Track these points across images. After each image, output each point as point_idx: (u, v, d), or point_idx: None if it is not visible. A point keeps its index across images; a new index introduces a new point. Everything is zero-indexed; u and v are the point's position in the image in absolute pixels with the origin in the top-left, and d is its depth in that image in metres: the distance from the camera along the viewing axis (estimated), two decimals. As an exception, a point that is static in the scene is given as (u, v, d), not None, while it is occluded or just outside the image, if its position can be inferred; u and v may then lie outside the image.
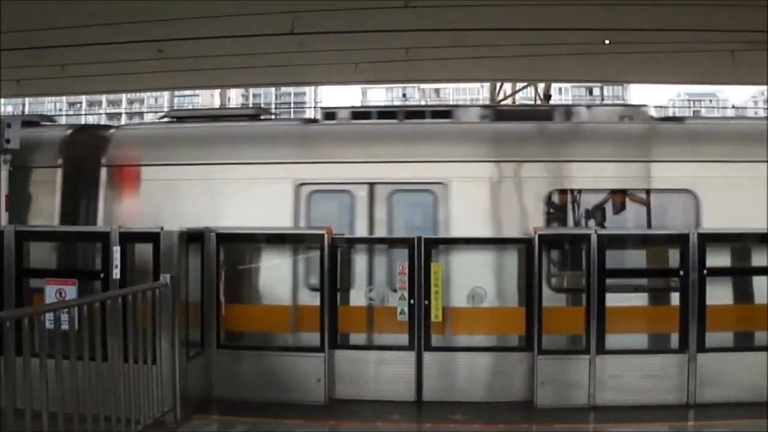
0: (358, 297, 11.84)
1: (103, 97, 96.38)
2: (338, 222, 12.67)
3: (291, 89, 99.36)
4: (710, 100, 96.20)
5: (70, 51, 19.73)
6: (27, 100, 73.00)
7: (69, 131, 14.97)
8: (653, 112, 15.71)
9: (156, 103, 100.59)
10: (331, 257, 11.34)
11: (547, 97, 32.41)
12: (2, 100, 41.37)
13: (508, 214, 12.91)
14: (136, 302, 8.88)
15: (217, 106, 51.28)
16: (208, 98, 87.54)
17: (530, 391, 11.01)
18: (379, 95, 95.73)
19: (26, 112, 72.95)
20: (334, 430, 10.80)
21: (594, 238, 10.93)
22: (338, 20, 17.52)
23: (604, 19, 17.58)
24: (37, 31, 17.86)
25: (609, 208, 13.12)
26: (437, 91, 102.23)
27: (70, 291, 10.57)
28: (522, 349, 11.22)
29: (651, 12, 16.81)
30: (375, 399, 11.19)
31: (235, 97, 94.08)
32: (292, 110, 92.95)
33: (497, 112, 15.39)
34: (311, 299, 11.41)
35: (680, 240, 11.02)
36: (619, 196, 13.11)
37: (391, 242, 11.96)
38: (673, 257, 11.31)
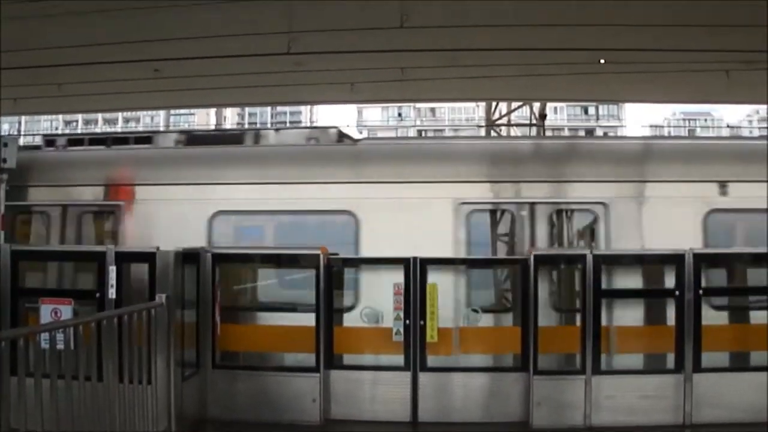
0: (353, 317, 11.82)
1: (99, 116, 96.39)
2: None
3: (287, 108, 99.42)
4: (705, 119, 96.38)
5: (66, 70, 19.78)
6: (23, 118, 73.09)
7: None
8: (354, 133, 15.92)
9: (152, 121, 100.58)
10: (327, 277, 11.33)
11: (543, 116, 32.47)
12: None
13: (178, 232, 13.26)
14: (131, 322, 8.86)
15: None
16: (204, 117, 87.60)
17: (526, 411, 10.99)
18: (375, 114, 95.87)
19: (23, 130, 73.03)
20: (329, 450, 10.79)
21: (589, 258, 10.94)
22: (334, 40, 17.58)
23: (599, 39, 17.66)
24: (34, 51, 17.90)
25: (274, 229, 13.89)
26: (433, 110, 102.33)
27: (66, 311, 10.54)
28: (517, 369, 11.19)
29: (645, 32, 16.88)
30: (370, 419, 11.15)
31: (231, 116, 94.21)
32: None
33: (191, 138, 15.86)
34: (307, 319, 11.38)
35: (676, 260, 11.03)
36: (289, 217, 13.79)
37: (387, 262, 11.96)
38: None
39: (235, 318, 11.98)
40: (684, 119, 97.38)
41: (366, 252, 12.69)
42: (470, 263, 12.32)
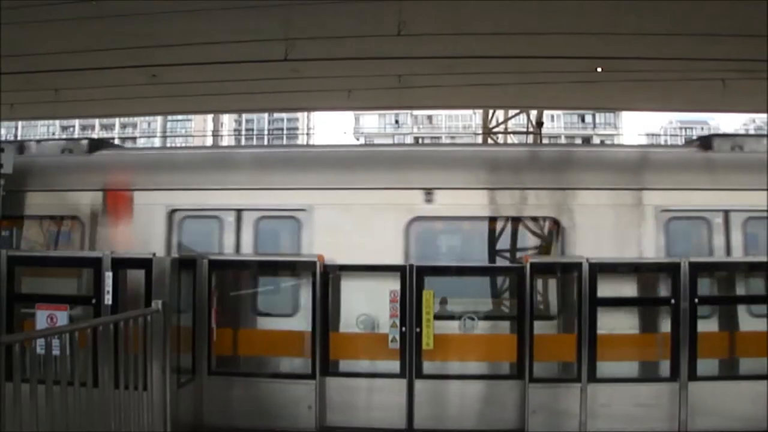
0: (349, 324, 11.81)
1: (96, 121, 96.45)
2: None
3: (284, 115, 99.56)
4: (702, 128, 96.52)
5: (63, 75, 19.79)
6: (20, 123, 73.16)
7: None
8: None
9: (149, 127, 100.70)
10: (323, 284, 11.34)
11: (540, 124, 32.48)
12: (-2, 124, 41.42)
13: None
14: (127, 328, 8.85)
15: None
16: (201, 123, 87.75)
17: (521, 419, 10.98)
18: (372, 121, 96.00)
19: (19, 135, 73.08)
20: (324, 457, 10.79)
21: (585, 266, 10.94)
22: (332, 47, 17.61)
23: (597, 47, 17.70)
24: (31, 56, 17.91)
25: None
26: (430, 117, 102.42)
27: (62, 316, 10.54)
28: (513, 377, 11.19)
29: (642, 41, 16.93)
30: (366, 426, 11.15)
31: (228, 122, 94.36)
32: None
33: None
34: (303, 326, 11.38)
35: (671, 268, 11.04)
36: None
37: (383, 269, 11.95)
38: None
39: (231, 324, 11.97)
40: (680, 127, 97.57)
41: None
42: (468, 271, 12.31)
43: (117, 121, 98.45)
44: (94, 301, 10.66)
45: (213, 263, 11.50)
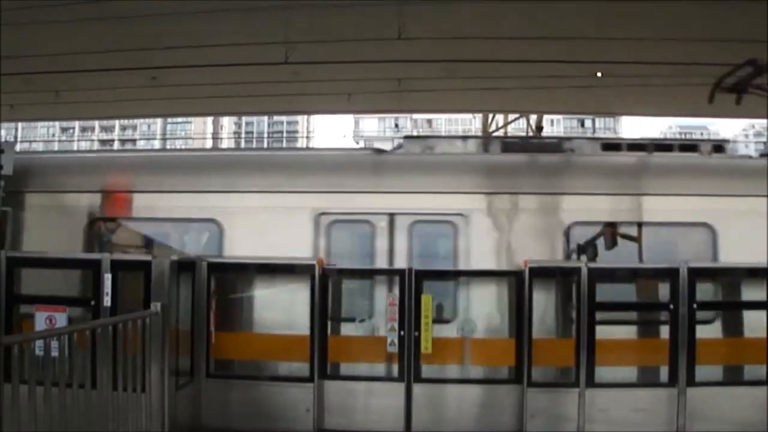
0: (348, 327, 11.81)
1: (96, 123, 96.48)
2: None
3: (284, 118, 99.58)
4: (701, 133, 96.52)
5: (64, 77, 19.82)
6: (20, 125, 73.14)
7: None
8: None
9: (149, 129, 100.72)
10: (322, 287, 11.34)
11: (539, 128, 32.51)
12: (-4, 126, 41.42)
13: None
14: (126, 330, 8.85)
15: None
16: (200, 126, 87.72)
17: (520, 423, 10.99)
18: (372, 125, 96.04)
19: (19, 137, 73.04)
20: (323, 460, 10.79)
21: (584, 271, 10.95)
22: (332, 50, 17.62)
23: (596, 52, 17.72)
24: (32, 57, 17.93)
25: None
26: (429, 121, 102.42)
27: (61, 318, 10.54)
28: (511, 381, 11.19)
29: (642, 46, 16.96)
30: (364, 430, 11.15)
31: (228, 125, 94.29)
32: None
33: None
34: (301, 329, 11.38)
35: (670, 274, 11.04)
36: None
37: (382, 273, 11.95)
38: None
39: (230, 327, 11.97)
40: (680, 132, 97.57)
41: None
42: (466, 275, 12.30)
43: (117, 123, 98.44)
44: (93, 302, 10.67)
45: (212, 266, 11.51)
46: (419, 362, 11.17)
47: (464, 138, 15.36)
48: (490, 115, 33.55)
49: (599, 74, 19.92)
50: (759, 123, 74.42)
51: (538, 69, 19.13)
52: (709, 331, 11.29)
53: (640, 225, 12.30)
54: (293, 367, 11.60)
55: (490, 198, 12.38)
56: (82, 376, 8.25)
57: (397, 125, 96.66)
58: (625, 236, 12.28)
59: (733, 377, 11.43)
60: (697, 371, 10.87)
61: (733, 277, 11.73)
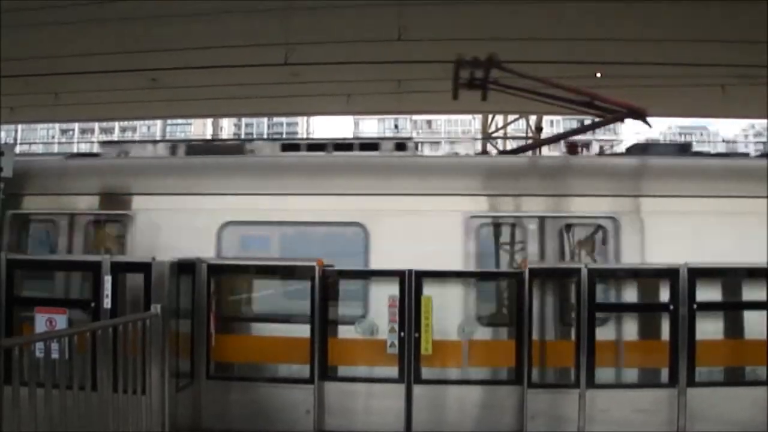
0: (348, 329, 11.80)
1: (96, 125, 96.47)
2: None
3: (283, 119, 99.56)
4: (701, 133, 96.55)
5: (63, 79, 19.84)
6: (20, 127, 73.11)
7: None
8: None
9: (149, 131, 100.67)
10: (322, 288, 11.33)
11: (539, 129, 32.55)
12: (-3, 128, 41.43)
13: None
14: (126, 332, 8.85)
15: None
16: (200, 127, 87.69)
17: (520, 424, 10.98)
18: (371, 126, 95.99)
19: (19, 139, 72.99)
20: (323, 462, 10.78)
21: (584, 272, 10.94)
22: (331, 51, 17.63)
23: (596, 52, 17.73)
24: (32, 60, 17.94)
25: None
26: (429, 122, 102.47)
27: (61, 320, 10.54)
28: (512, 382, 11.18)
29: (642, 46, 16.97)
30: (364, 431, 11.15)
31: (227, 126, 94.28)
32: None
33: None
34: (301, 330, 11.37)
35: (670, 274, 11.04)
36: None
37: (382, 274, 11.95)
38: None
39: (230, 329, 11.96)
40: (680, 133, 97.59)
41: None
42: (467, 276, 12.29)
43: (117, 125, 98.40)
44: (93, 304, 10.67)
45: (212, 267, 11.51)
46: (419, 363, 11.17)
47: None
48: (490, 116, 33.55)
49: (599, 75, 19.93)
50: (759, 123, 74.40)
51: (538, 70, 19.12)
52: (709, 332, 11.30)
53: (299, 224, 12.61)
54: (293, 368, 11.60)
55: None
56: (82, 378, 8.27)
57: (396, 126, 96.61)
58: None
59: (734, 378, 11.43)
60: (697, 372, 10.89)
61: (734, 277, 11.72)
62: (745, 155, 16.27)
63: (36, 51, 17.52)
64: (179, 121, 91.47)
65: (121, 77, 19.87)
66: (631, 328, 11.71)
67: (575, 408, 10.85)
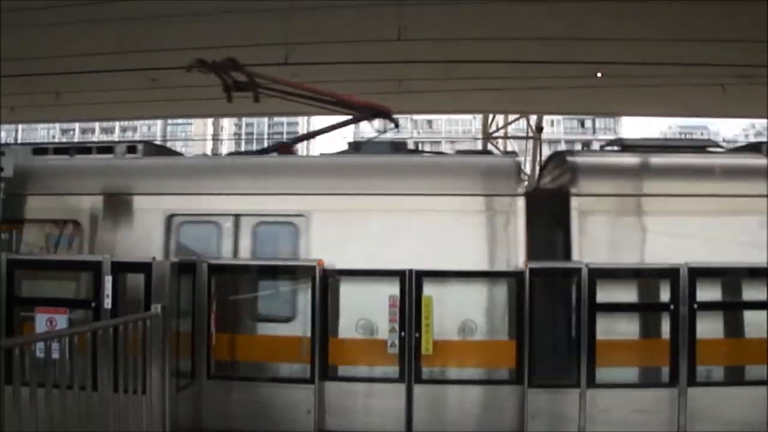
0: (348, 328, 11.79)
1: (96, 125, 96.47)
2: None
3: (284, 119, 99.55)
4: (701, 133, 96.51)
5: (64, 79, 19.84)
6: (20, 126, 73.12)
7: None
8: None
9: (149, 131, 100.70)
10: (322, 288, 11.33)
11: (539, 129, 32.55)
12: (-3, 128, 41.42)
13: None
14: (126, 332, 8.86)
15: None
16: (201, 127, 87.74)
17: (521, 424, 10.98)
18: (371, 126, 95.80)
19: (20, 139, 73.02)
20: (324, 461, 10.78)
21: (585, 271, 10.94)
22: (332, 51, 17.63)
23: (596, 52, 17.73)
24: (32, 60, 17.94)
25: None
26: (430, 122, 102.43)
27: (61, 320, 10.55)
28: (512, 382, 11.18)
29: (642, 46, 16.97)
30: (365, 431, 11.15)
31: (228, 125, 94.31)
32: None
33: None
34: (302, 330, 11.38)
35: (670, 274, 11.03)
36: None
37: (383, 274, 11.94)
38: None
39: (230, 328, 11.96)
40: (680, 133, 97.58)
41: None
42: (466, 276, 12.28)
43: (117, 124, 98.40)
44: (93, 304, 10.68)
45: (212, 267, 11.52)
46: (420, 363, 11.17)
47: None
48: (490, 116, 33.56)
49: (599, 74, 19.93)
50: (759, 123, 74.33)
51: (538, 70, 19.14)
52: (710, 331, 11.30)
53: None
54: (294, 368, 11.60)
55: None
56: (82, 378, 8.27)
57: (397, 126, 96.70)
58: None
59: (735, 377, 11.43)
60: (697, 371, 10.89)
61: (733, 277, 11.72)
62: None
63: (36, 51, 17.53)
64: (179, 120, 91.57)
65: (122, 77, 19.87)
66: (631, 328, 11.71)
67: (576, 407, 10.87)
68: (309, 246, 11.88)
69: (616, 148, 13.71)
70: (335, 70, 19.38)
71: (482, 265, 11.61)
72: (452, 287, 11.76)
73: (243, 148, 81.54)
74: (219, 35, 16.82)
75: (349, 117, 13.58)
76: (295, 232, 12.06)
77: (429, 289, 11.28)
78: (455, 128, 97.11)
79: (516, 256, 11.47)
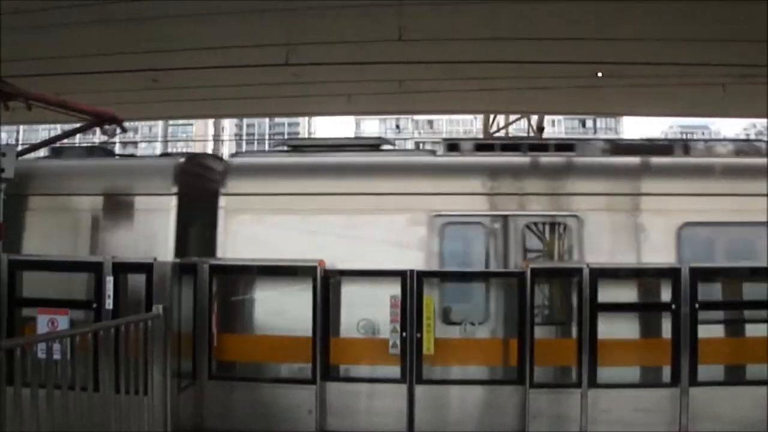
0: (350, 329, 11.79)
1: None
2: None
3: (285, 120, 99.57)
4: (702, 132, 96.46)
5: (64, 80, 19.80)
6: (21, 127, 73.04)
7: None
8: None
9: (150, 131, 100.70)
10: (324, 288, 11.33)
11: (540, 129, 32.53)
12: (-4, 129, 41.35)
13: None
14: (128, 333, 8.85)
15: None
16: (201, 127, 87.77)
17: (522, 424, 10.98)
18: (373, 126, 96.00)
19: (20, 140, 72.92)
20: (325, 462, 10.78)
21: (586, 271, 10.94)
22: (332, 52, 17.62)
23: (597, 52, 17.71)
24: (33, 60, 17.93)
25: None
26: (431, 122, 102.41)
27: (63, 321, 10.55)
28: (514, 382, 11.18)
29: (643, 46, 16.96)
30: (367, 431, 11.15)
31: (229, 126, 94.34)
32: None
33: None
34: (303, 331, 11.37)
35: (672, 273, 11.03)
36: None
37: (384, 274, 11.93)
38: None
39: (232, 328, 11.96)
40: (681, 132, 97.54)
41: None
42: (467, 276, 12.28)
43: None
44: (95, 305, 10.68)
45: (213, 267, 11.51)
46: (421, 364, 11.17)
47: None
48: (491, 116, 33.55)
49: (600, 74, 19.92)
50: (760, 122, 74.25)
51: (539, 70, 19.13)
52: (711, 331, 11.30)
53: None
54: (295, 368, 11.60)
55: None
56: (84, 378, 8.27)
57: (398, 126, 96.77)
58: None
59: (736, 377, 11.42)
60: (699, 371, 10.89)
61: (734, 277, 11.71)
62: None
63: (37, 52, 17.53)
64: (181, 121, 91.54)
65: (123, 77, 19.87)
66: (633, 328, 11.70)
67: (577, 407, 10.86)
68: None
69: (285, 148, 14.00)
70: (336, 71, 19.38)
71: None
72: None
73: (244, 149, 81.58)
74: (220, 36, 16.84)
75: (82, 124, 13.69)
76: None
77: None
78: (456, 128, 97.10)
79: (165, 252, 11.40)
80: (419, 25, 15.82)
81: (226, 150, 77.00)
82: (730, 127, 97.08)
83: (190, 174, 12.41)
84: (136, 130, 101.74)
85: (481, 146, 13.28)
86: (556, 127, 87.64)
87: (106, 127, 12.91)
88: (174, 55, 18.07)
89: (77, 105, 12.78)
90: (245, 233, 11.98)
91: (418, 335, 11.13)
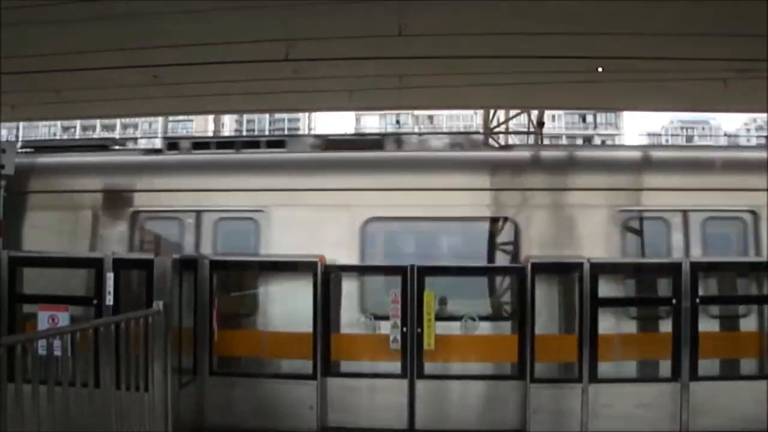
0: (350, 324, 11.81)
1: (97, 122, 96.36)
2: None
3: (285, 116, 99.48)
4: (703, 128, 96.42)
5: (64, 76, 19.77)
6: (21, 124, 73.07)
7: None
8: None
9: (150, 128, 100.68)
10: (324, 284, 11.34)
11: (541, 124, 32.45)
12: (-2, 125, 41.40)
13: None
14: (129, 329, 8.85)
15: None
16: (202, 124, 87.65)
17: (523, 419, 10.98)
18: (373, 121, 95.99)
19: (20, 137, 72.95)
20: (326, 457, 10.79)
21: (587, 266, 10.94)
22: (332, 47, 17.58)
23: (597, 47, 17.67)
24: (33, 56, 17.90)
25: None
26: (431, 117, 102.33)
27: (63, 317, 10.55)
28: (514, 377, 11.19)
29: (643, 40, 16.90)
30: (367, 427, 11.17)
31: (229, 123, 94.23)
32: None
33: None
34: (304, 326, 11.37)
35: (673, 268, 11.03)
36: None
37: (385, 270, 11.94)
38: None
39: (232, 324, 11.96)
40: (682, 127, 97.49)
41: None
42: (468, 271, 12.28)
43: (118, 121, 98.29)
44: (95, 301, 10.68)
45: (214, 263, 11.52)
46: (422, 359, 11.18)
47: None
48: (491, 111, 33.48)
49: (600, 69, 19.87)
50: (760, 117, 74.28)
51: (539, 65, 19.09)
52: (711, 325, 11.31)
53: None
54: (296, 364, 11.60)
55: None
56: (85, 375, 8.27)
57: (398, 122, 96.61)
58: None
59: (737, 371, 11.44)
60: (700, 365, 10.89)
61: (734, 271, 11.73)
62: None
63: (37, 48, 17.49)
64: (180, 117, 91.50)
65: (123, 74, 19.80)
66: (633, 322, 11.72)
67: (578, 402, 10.87)
68: None
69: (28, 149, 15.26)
70: (336, 66, 19.35)
71: None
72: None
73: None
74: (220, 31, 16.79)
75: None
76: None
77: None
78: (457, 123, 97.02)
79: None
80: (419, 20, 15.78)
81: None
82: (731, 122, 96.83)
83: None
84: (136, 126, 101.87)
85: (199, 144, 13.87)
86: (557, 121, 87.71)
87: None
88: (174, 51, 18.01)
89: None
90: None
91: (419, 330, 11.14)
